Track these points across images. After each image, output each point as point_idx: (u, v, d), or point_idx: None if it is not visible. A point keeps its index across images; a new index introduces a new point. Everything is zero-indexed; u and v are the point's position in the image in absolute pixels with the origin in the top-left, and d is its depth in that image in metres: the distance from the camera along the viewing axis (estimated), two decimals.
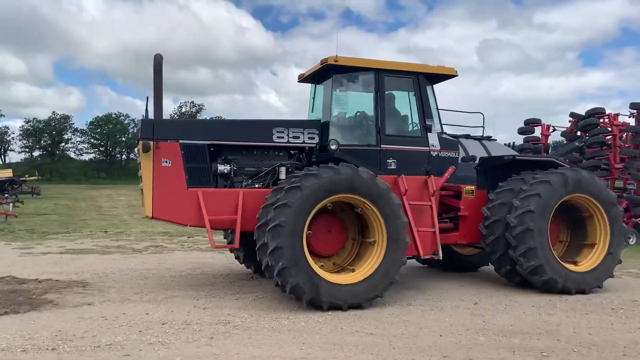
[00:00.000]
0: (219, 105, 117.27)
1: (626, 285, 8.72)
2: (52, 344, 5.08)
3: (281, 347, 5.17)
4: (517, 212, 7.57)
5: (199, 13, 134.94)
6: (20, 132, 75.60)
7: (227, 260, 10.61)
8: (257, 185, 7.44)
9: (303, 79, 8.69)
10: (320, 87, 8.52)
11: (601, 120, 17.76)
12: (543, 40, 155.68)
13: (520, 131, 19.15)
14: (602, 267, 7.96)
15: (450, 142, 8.12)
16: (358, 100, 8.26)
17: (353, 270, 6.90)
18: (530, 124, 19.03)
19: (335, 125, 7.74)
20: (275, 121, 7.69)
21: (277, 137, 7.54)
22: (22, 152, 77.43)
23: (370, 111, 7.84)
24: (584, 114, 18.18)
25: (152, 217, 6.97)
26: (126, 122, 78.30)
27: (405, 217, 7.00)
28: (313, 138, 7.70)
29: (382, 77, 7.72)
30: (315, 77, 8.40)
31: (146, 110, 7.50)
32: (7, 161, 75.10)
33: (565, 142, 19.14)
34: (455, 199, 8.44)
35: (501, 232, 7.74)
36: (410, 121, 8.09)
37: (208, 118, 76.32)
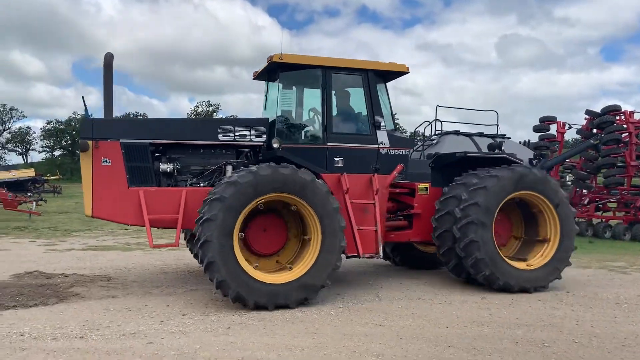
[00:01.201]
0: (236, 104, 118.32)
1: (635, 281, 8.85)
2: (80, 333, 5.46)
3: (294, 337, 5.47)
4: (463, 205, 7.49)
5: (215, 12, 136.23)
6: (42, 132, 77.23)
7: None
8: (202, 184, 7.39)
9: (257, 76, 8.52)
10: (272, 85, 8.41)
11: (617, 117, 17.76)
12: (563, 35, 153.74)
13: (536, 129, 19.18)
14: (550, 267, 7.83)
15: (401, 140, 7.96)
16: (305, 98, 8.24)
17: (291, 269, 6.78)
18: (545, 122, 19.05)
19: (281, 123, 7.66)
20: (221, 120, 7.76)
21: (223, 136, 7.49)
22: (43, 151, 79.19)
23: (317, 109, 7.78)
24: (599, 112, 18.19)
25: (92, 216, 7.03)
26: None
27: (339, 214, 6.78)
28: (260, 136, 7.63)
29: (330, 75, 7.59)
30: (266, 74, 8.31)
31: (85, 109, 7.59)
32: (29, 161, 76.86)
33: (581, 139, 19.14)
34: (409, 197, 8.35)
35: (449, 225, 7.63)
36: (360, 119, 7.98)
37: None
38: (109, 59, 7.22)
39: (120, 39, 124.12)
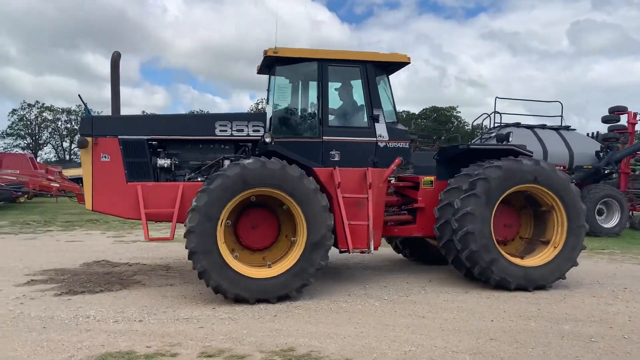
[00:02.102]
0: None
1: None
2: (139, 317, 5.89)
3: (337, 326, 5.64)
4: (463, 195, 7.25)
5: (275, 9, 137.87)
6: None
7: None
8: (200, 179, 7.37)
9: (259, 71, 8.42)
10: (272, 79, 8.36)
11: None
12: None
13: (605, 119, 18.23)
14: (553, 266, 7.40)
15: (400, 133, 7.72)
16: (302, 92, 8.14)
17: (269, 267, 6.78)
18: (615, 112, 18.06)
19: (277, 117, 7.64)
20: (219, 115, 7.74)
21: (220, 131, 7.48)
22: None
23: (313, 102, 7.67)
24: None
25: (92, 210, 7.28)
26: None
27: (326, 212, 6.67)
28: (258, 130, 7.55)
29: (326, 67, 7.46)
30: (267, 69, 8.23)
31: (85, 107, 7.83)
32: None
33: None
34: (414, 191, 8.17)
35: (450, 216, 7.38)
36: (358, 111, 7.84)
37: None
38: (116, 58, 7.40)
39: (184, 38, 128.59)
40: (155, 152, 7.47)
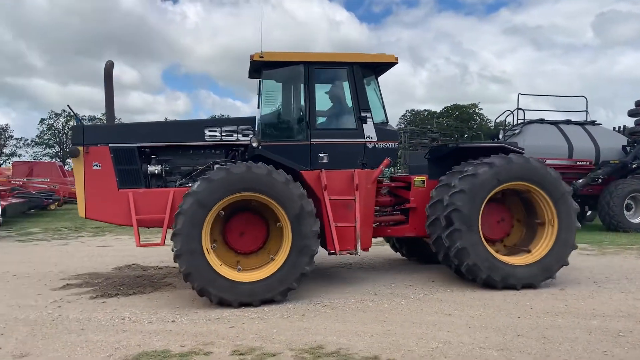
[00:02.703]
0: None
1: None
2: (172, 317, 6.09)
3: (364, 324, 5.74)
4: (451, 192, 7.19)
5: (293, 11, 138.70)
6: None
7: (321, 251, 11.32)
8: (191, 184, 7.26)
9: (250, 75, 8.43)
10: (261, 83, 8.25)
11: None
12: None
13: (631, 113, 17.91)
14: (542, 265, 7.29)
15: (389, 133, 7.70)
16: (289, 95, 8.13)
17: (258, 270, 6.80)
18: None
19: (266, 121, 7.66)
20: (208, 120, 7.71)
21: (210, 136, 7.50)
22: None
23: (300, 105, 7.67)
24: None
25: (85, 217, 7.41)
26: None
27: (312, 217, 6.67)
28: (247, 135, 7.52)
29: (312, 70, 7.46)
30: (255, 73, 8.19)
31: (75, 116, 7.93)
32: None
33: None
34: (406, 191, 8.11)
35: (440, 213, 7.31)
36: (345, 113, 7.81)
37: None
38: (109, 68, 7.51)
39: (204, 44, 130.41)
40: (147, 159, 7.53)
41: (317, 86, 7.62)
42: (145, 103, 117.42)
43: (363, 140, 7.48)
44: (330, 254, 7.20)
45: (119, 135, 7.45)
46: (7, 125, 76.04)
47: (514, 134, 16.28)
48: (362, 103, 7.51)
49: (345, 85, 7.68)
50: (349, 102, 7.61)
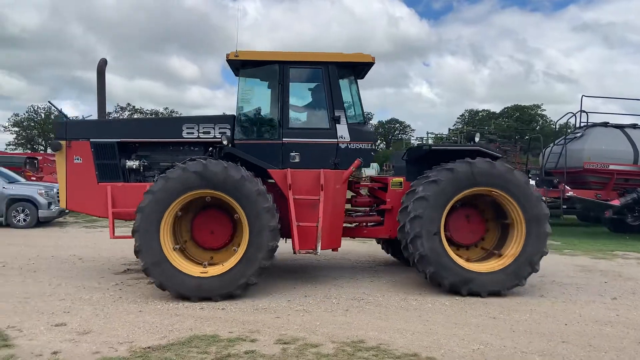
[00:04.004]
0: (370, 100, 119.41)
1: None
2: (222, 305, 6.41)
3: (406, 322, 5.83)
4: (414, 197, 7.04)
5: (352, 7, 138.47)
6: None
7: (368, 248, 11.45)
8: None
9: (236, 73, 8.23)
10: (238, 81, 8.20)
11: None
12: None
13: None
14: (509, 272, 7.02)
15: (363, 134, 7.56)
16: (263, 94, 8.10)
17: (222, 265, 6.80)
18: None
19: (242, 120, 7.61)
20: (186, 118, 7.86)
21: (187, 133, 7.61)
22: None
23: (274, 104, 7.65)
24: None
25: (67, 209, 7.63)
26: None
27: (268, 214, 6.62)
28: (224, 132, 7.57)
29: (287, 69, 7.42)
30: (236, 71, 8.08)
31: (60, 112, 8.12)
32: None
33: None
34: (383, 192, 7.95)
35: (405, 219, 7.14)
36: (319, 113, 7.72)
37: None
38: (101, 65, 7.75)
39: (262, 39, 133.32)
40: (126, 154, 7.74)
41: (293, 85, 7.64)
42: (205, 98, 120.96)
43: (335, 140, 7.42)
44: (295, 252, 7.08)
45: (100, 131, 7.71)
46: (76, 117, 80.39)
47: (575, 137, 15.72)
48: (336, 103, 7.45)
49: (320, 85, 7.63)
50: (324, 101, 7.56)
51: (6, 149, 64.61)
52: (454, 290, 7.03)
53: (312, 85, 7.92)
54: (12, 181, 15.52)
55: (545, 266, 9.53)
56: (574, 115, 16.33)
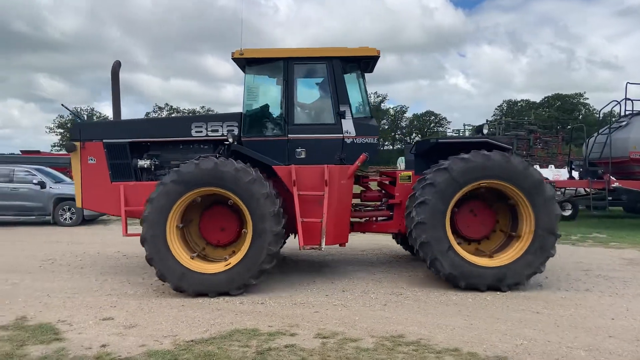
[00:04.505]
0: (405, 92, 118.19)
1: None
2: (261, 300, 6.51)
3: (446, 317, 5.77)
4: (422, 184, 6.92)
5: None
6: None
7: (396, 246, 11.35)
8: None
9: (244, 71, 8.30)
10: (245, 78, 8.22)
11: None
12: None
13: None
14: (514, 269, 6.82)
15: (368, 128, 7.47)
16: (269, 91, 8.09)
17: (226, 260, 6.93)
18: None
19: (248, 117, 7.61)
20: (195, 117, 7.78)
21: (196, 132, 7.70)
22: None
23: (279, 101, 7.62)
24: None
25: (82, 208, 7.85)
26: None
27: (268, 197, 6.67)
28: (232, 130, 7.61)
29: (292, 66, 7.43)
30: (244, 69, 8.10)
31: (74, 114, 8.27)
32: None
33: None
34: (392, 186, 7.83)
35: (412, 205, 7.05)
36: (324, 108, 7.67)
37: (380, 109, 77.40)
38: (115, 67, 7.95)
39: (294, 36, 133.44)
40: (138, 153, 7.89)
41: (298, 81, 7.69)
42: (239, 96, 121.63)
43: (341, 135, 7.39)
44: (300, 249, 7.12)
45: (112, 132, 7.90)
46: (106, 117, 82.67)
47: (620, 126, 15.14)
48: (341, 98, 7.41)
49: (325, 80, 7.62)
50: (329, 97, 7.54)
51: (51, 150, 67.22)
52: (450, 280, 6.93)
53: (317, 80, 7.95)
54: (58, 181, 16.10)
55: (591, 260, 9.30)
56: (619, 103, 15.70)
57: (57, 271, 8.51)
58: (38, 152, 31.45)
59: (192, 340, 5.01)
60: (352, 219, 7.78)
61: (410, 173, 7.80)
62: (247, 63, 7.68)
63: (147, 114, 79.59)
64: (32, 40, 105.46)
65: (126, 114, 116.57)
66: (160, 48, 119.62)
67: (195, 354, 4.66)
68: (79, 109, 74.69)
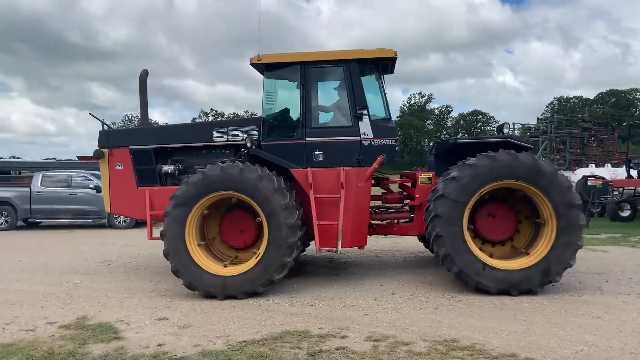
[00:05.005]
0: (450, 92, 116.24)
1: None
2: (310, 302, 6.52)
3: (501, 321, 5.60)
4: (435, 195, 6.77)
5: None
6: None
7: None
8: None
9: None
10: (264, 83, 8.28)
11: None
12: None
13: None
14: (531, 272, 6.62)
15: (386, 130, 7.37)
16: (287, 95, 8.02)
17: (240, 263, 7.05)
18: None
19: (267, 121, 7.64)
20: (216, 122, 7.76)
21: (217, 137, 7.82)
22: None
23: (298, 104, 7.54)
24: None
25: (110, 212, 8.07)
26: None
27: (287, 208, 6.69)
28: (253, 135, 7.68)
29: (309, 70, 7.42)
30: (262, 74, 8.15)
31: (102, 122, 8.38)
32: None
33: None
34: (413, 188, 7.73)
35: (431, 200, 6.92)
36: (341, 111, 7.59)
37: (437, 107, 76.32)
38: (143, 76, 8.16)
39: (337, 38, 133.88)
40: (162, 159, 8.09)
41: (315, 85, 7.67)
42: None
43: (358, 137, 7.35)
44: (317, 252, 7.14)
45: (138, 138, 8.14)
46: (166, 124, 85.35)
47: None
48: (359, 100, 7.37)
49: (342, 83, 7.60)
50: (346, 99, 7.51)
51: None
52: (460, 277, 6.82)
53: (334, 83, 7.95)
54: None
55: None
56: None
57: (113, 272, 8.83)
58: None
59: (244, 341, 5.08)
60: (373, 222, 7.81)
61: (430, 174, 7.75)
62: (266, 68, 7.77)
63: (194, 119, 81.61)
64: (85, 50, 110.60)
65: (173, 119, 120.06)
66: (206, 54, 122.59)
67: (248, 355, 4.72)
68: (130, 116, 77.47)
